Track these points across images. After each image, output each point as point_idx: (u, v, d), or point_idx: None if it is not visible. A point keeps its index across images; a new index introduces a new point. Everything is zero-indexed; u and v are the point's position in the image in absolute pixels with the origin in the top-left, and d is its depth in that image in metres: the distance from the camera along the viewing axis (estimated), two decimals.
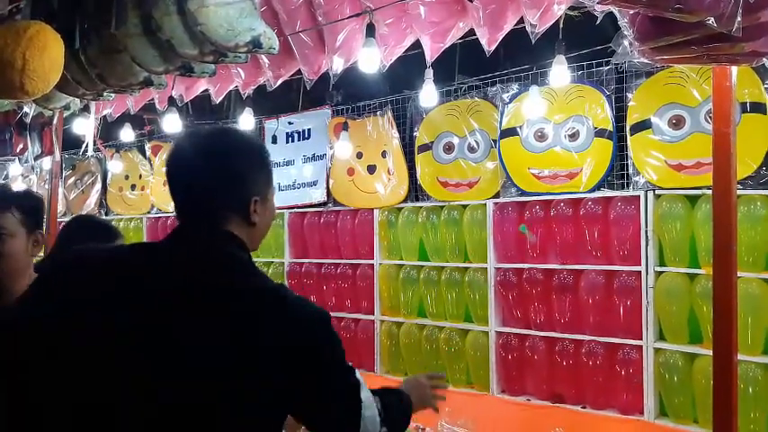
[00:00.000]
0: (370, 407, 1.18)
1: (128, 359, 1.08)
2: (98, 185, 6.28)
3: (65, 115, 3.43)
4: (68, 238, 2.16)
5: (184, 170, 1.23)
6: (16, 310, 1.20)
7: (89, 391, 1.08)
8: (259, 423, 1.10)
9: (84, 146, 3.38)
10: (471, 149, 3.97)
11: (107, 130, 5.08)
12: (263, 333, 1.10)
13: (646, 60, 1.69)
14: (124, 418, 1.07)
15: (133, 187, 6.00)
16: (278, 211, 4.88)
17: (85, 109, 3.32)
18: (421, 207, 4.17)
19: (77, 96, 2.62)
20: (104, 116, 3.75)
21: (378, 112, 4.38)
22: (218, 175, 1.21)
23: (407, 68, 3.22)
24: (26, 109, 3.28)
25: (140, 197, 5.94)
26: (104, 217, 6.22)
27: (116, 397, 1.08)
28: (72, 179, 6.45)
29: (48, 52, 1.61)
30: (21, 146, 3.55)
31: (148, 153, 5.81)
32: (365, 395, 1.19)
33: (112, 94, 2.67)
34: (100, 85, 2.39)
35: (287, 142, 4.92)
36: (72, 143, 4.94)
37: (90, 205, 6.34)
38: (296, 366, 1.12)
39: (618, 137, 3.47)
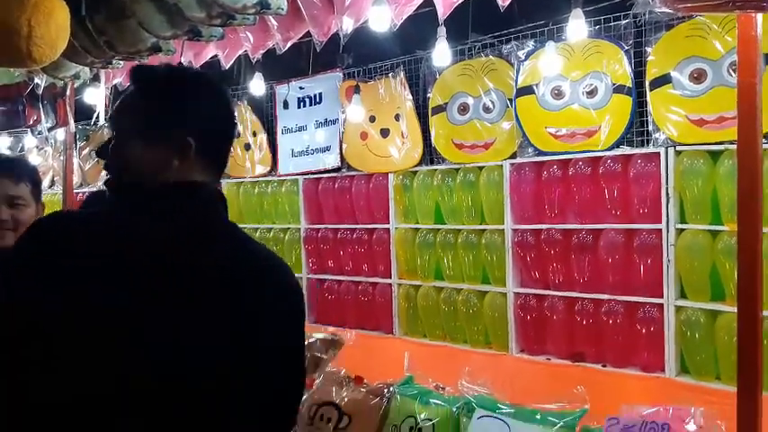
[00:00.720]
0: None
1: (128, 355, 1.03)
2: None
3: (76, 85, 3.41)
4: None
5: (194, 101, 1.17)
6: (19, 279, 1.09)
7: (89, 383, 1.03)
8: (260, 422, 1.08)
9: (95, 115, 3.36)
10: (486, 110, 3.90)
11: (116, 101, 5.06)
12: (264, 333, 1.07)
13: (668, 10, 1.61)
14: (124, 415, 1.03)
15: None
16: (292, 177, 4.90)
17: (96, 78, 3.29)
18: (436, 170, 4.13)
19: (87, 65, 2.59)
20: (115, 85, 3.71)
21: (390, 74, 4.30)
22: (220, 112, 1.20)
23: (419, 28, 3.14)
24: (37, 80, 3.26)
25: None
26: None
27: (116, 392, 1.03)
28: (87, 150, 6.47)
29: (54, 18, 1.59)
30: (34, 117, 3.54)
31: None
32: None
33: (122, 62, 2.64)
34: (108, 52, 2.37)
35: (298, 107, 4.88)
36: (85, 114, 4.93)
37: (105, 176, 6.36)
38: (294, 366, 1.12)
39: (637, 93, 3.38)
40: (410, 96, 4.22)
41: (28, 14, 1.51)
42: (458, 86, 4.00)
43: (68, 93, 3.27)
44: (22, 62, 1.66)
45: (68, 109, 3.34)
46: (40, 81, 3.28)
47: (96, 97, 3.42)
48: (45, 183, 6.57)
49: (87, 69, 2.72)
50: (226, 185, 5.31)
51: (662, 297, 3.28)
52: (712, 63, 3.11)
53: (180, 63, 3.06)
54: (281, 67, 4.47)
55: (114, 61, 2.56)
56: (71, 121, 3.42)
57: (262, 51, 3.03)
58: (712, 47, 3.10)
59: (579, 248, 3.56)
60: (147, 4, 2.06)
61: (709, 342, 3.17)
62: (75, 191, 6.03)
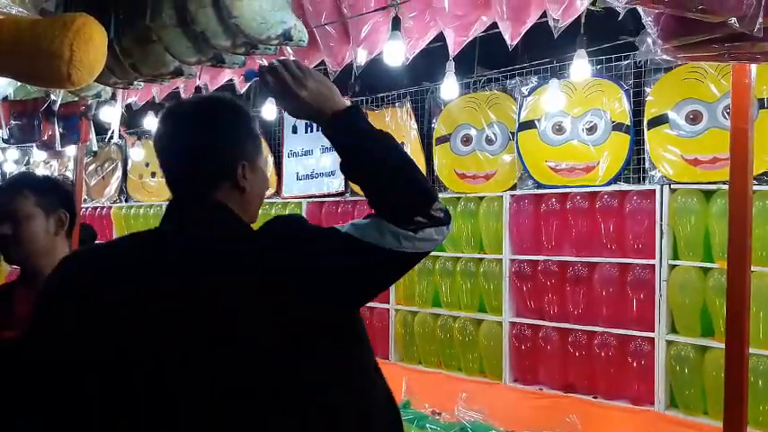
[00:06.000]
0: None
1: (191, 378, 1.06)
2: (118, 173, 6.38)
3: (95, 103, 3.50)
4: None
5: (169, 137, 1.21)
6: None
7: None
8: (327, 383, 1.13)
9: (110, 133, 3.46)
10: (489, 141, 4.02)
11: (129, 118, 5.16)
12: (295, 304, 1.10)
13: (668, 57, 1.73)
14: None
15: (153, 174, 6.09)
16: (296, 200, 4.98)
17: (112, 97, 3.39)
18: None
19: (109, 85, 2.68)
20: (129, 104, 3.81)
21: (396, 104, 4.42)
22: (202, 138, 1.19)
23: (426, 60, 3.26)
24: (53, 96, 3.36)
25: (160, 184, 6.02)
26: (124, 203, 6.32)
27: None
28: (92, 166, 6.55)
29: (93, 43, 1.67)
30: (49, 132, 3.63)
31: None
32: None
33: (142, 83, 2.74)
34: (132, 74, 2.46)
35: (305, 132, 4.99)
36: (96, 130, 5.02)
37: (110, 192, 6.45)
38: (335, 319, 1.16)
39: (635, 131, 3.51)
40: (415, 126, 4.33)
41: (70, 39, 1.60)
42: (462, 118, 4.13)
43: (94, 111, 3.36)
44: (61, 84, 1.74)
45: (91, 126, 3.44)
46: (56, 98, 3.37)
47: (111, 115, 3.51)
48: None
49: (108, 89, 2.81)
50: None
51: (653, 331, 3.36)
52: (708, 105, 3.24)
53: (197, 87, 3.17)
54: None
55: (135, 82, 2.66)
56: (93, 138, 3.51)
57: None
58: (708, 90, 3.24)
59: (574, 281, 3.65)
60: (174, 30, 2.16)
61: (697, 377, 3.24)
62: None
